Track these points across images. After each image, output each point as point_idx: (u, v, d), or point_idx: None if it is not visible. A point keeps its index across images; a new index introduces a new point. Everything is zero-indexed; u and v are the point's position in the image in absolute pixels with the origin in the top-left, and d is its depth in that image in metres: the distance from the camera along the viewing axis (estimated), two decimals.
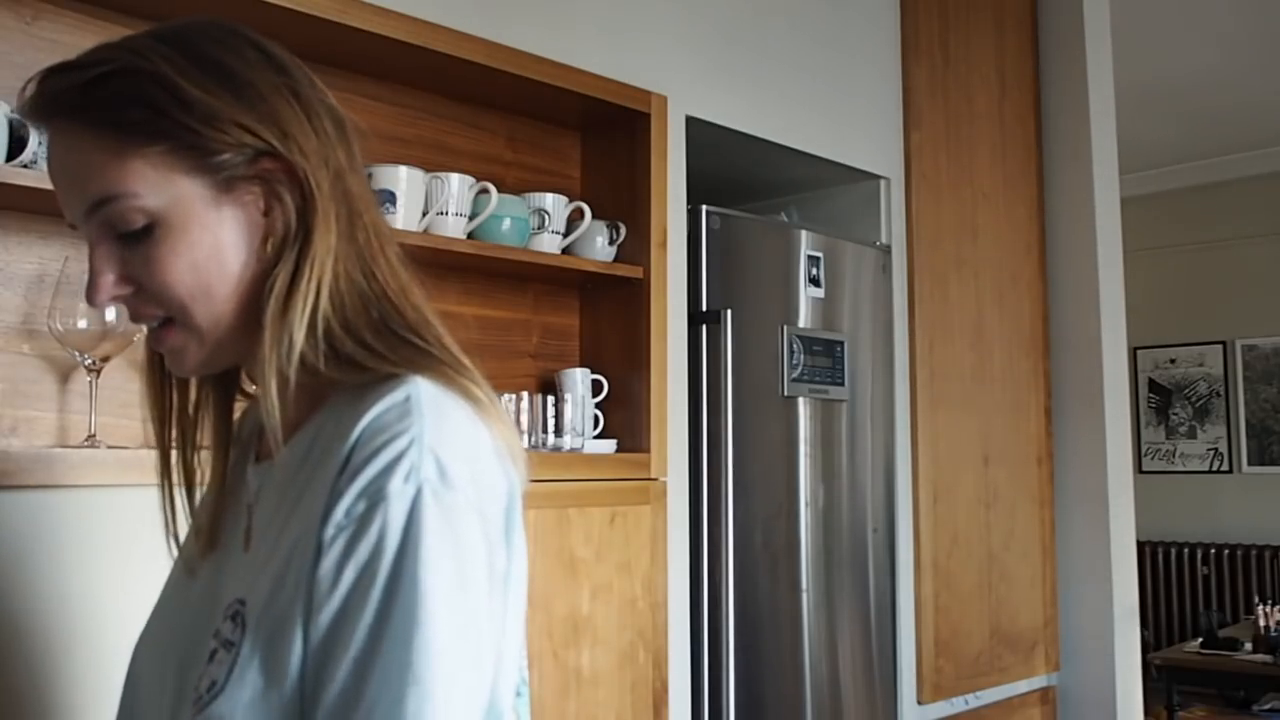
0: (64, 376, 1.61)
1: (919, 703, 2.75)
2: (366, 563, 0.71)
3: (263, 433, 0.86)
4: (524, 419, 1.97)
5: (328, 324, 0.79)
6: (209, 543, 0.88)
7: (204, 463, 0.91)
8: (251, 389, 0.93)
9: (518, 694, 0.87)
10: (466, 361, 0.82)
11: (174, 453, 0.90)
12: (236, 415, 0.94)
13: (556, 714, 1.92)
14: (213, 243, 0.79)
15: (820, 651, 2.48)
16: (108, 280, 0.80)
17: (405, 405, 0.75)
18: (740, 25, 2.46)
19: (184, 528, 0.92)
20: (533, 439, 1.98)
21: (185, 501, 0.91)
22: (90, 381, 1.53)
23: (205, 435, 0.92)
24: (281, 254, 0.80)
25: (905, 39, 2.90)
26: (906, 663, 2.73)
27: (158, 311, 0.82)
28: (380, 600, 0.70)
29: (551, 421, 2.01)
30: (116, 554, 1.40)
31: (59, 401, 1.60)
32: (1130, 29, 4.11)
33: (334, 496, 0.73)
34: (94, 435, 1.52)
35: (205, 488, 0.90)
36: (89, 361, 1.51)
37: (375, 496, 0.72)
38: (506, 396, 1.95)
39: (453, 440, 0.75)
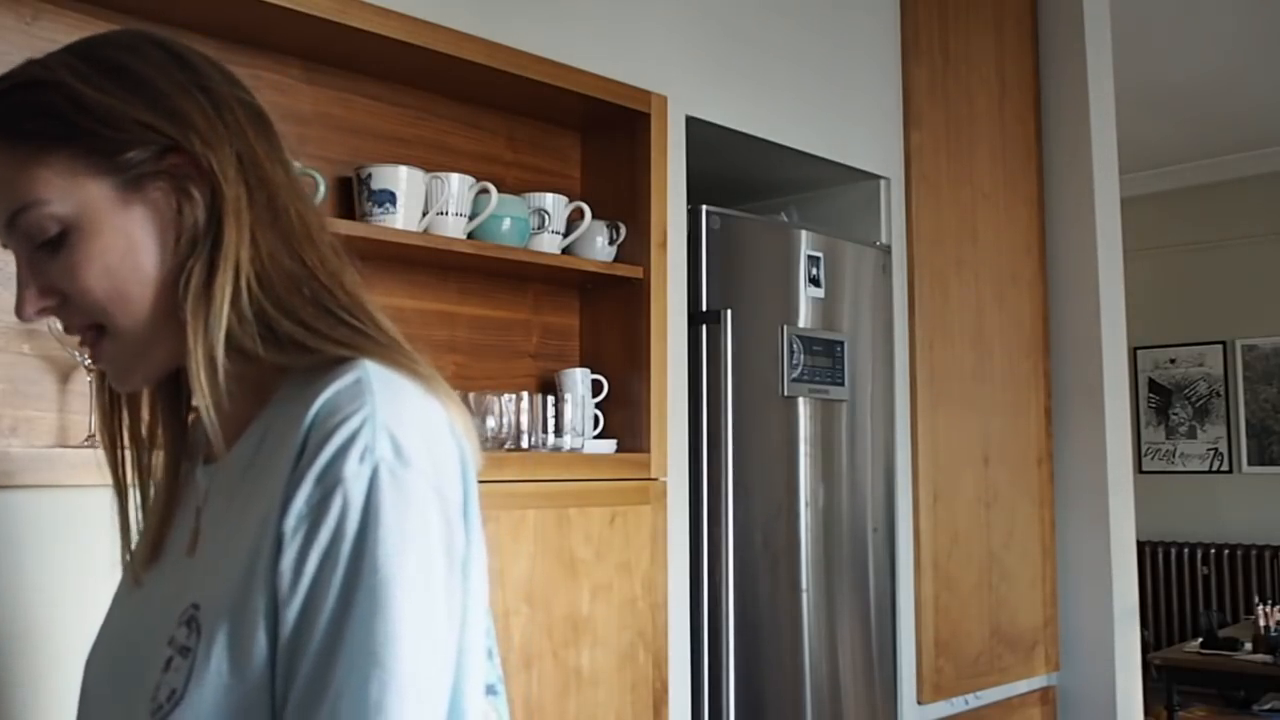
0: (64, 376, 1.61)
1: (919, 703, 2.75)
2: (327, 550, 0.71)
3: (202, 432, 0.85)
4: (524, 419, 1.96)
5: (259, 306, 0.79)
6: (153, 552, 0.87)
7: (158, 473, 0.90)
8: None
9: (494, 691, 0.86)
10: (406, 343, 0.82)
11: (130, 473, 0.90)
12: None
13: (556, 714, 1.92)
14: (125, 244, 0.80)
15: (820, 651, 2.48)
16: (31, 292, 0.81)
17: (357, 386, 0.75)
18: (740, 25, 2.46)
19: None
20: (533, 439, 1.98)
21: (140, 520, 0.90)
22: (90, 381, 1.53)
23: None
24: (195, 248, 0.80)
25: (905, 39, 2.90)
26: (906, 663, 2.73)
27: (84, 320, 0.82)
28: (342, 586, 0.70)
29: (551, 421, 2.01)
30: (116, 554, 1.40)
31: (59, 401, 1.60)
32: (1131, 29, 4.11)
33: (292, 485, 0.72)
34: (94, 435, 1.52)
35: (156, 502, 0.90)
36: (89, 362, 1.52)
37: (332, 481, 0.71)
38: (506, 396, 1.95)
39: (407, 418, 0.75)
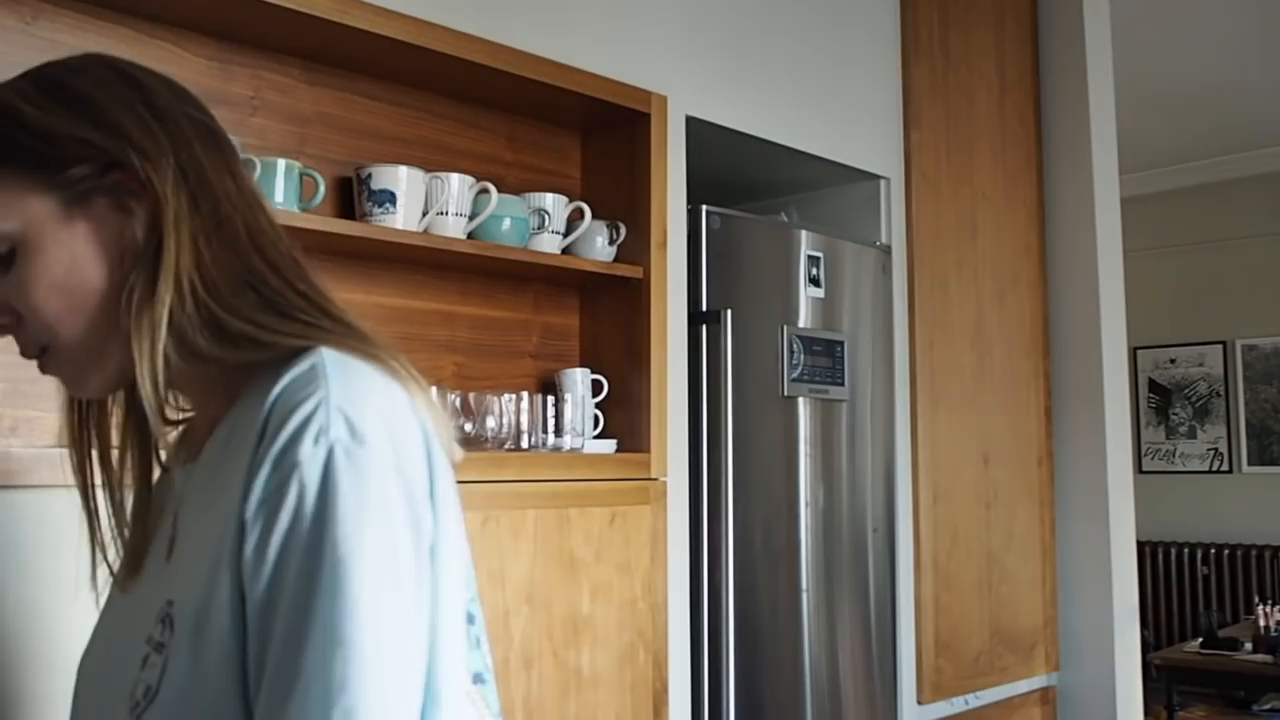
0: None
1: (919, 703, 2.75)
2: (287, 534, 0.71)
3: (186, 439, 0.88)
4: (524, 419, 1.97)
5: (207, 310, 0.79)
6: (136, 560, 0.88)
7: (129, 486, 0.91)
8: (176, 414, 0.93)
9: (482, 680, 0.85)
10: (370, 334, 0.82)
11: (99, 482, 0.90)
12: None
13: (556, 714, 1.92)
14: (70, 259, 0.81)
15: (820, 651, 2.48)
16: None
17: (311, 372, 0.76)
18: (740, 25, 2.46)
19: (114, 558, 0.92)
20: (533, 439, 1.98)
21: (116, 532, 0.91)
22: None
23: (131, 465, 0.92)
24: (139, 261, 0.81)
25: (905, 39, 2.90)
26: (906, 663, 2.73)
27: (34, 344, 0.84)
28: (303, 569, 0.70)
29: (551, 421, 2.01)
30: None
31: (59, 401, 1.60)
32: (1130, 29, 4.11)
33: (252, 472, 0.73)
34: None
35: (131, 510, 0.90)
36: None
37: (288, 465, 0.72)
38: (506, 396, 1.95)
39: (362, 399, 0.75)
